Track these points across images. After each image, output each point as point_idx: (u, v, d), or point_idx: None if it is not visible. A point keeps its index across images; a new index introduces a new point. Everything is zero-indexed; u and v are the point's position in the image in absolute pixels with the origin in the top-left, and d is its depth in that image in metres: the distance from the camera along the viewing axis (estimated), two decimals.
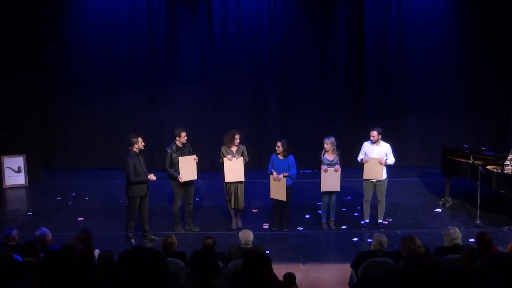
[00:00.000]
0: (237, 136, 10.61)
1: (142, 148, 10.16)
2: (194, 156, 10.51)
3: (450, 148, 11.92)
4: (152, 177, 10.14)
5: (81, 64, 13.62)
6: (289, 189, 10.49)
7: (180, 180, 10.37)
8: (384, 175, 10.66)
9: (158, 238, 10.04)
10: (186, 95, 13.83)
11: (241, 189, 10.66)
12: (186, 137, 10.48)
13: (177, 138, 10.46)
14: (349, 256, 8.49)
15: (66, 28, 13.51)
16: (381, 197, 10.71)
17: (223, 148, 10.69)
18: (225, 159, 10.57)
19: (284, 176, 10.44)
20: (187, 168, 10.41)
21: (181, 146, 10.49)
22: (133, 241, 10.16)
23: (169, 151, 10.46)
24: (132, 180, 10.00)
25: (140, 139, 10.10)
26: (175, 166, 10.41)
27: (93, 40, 13.54)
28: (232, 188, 10.65)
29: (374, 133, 10.60)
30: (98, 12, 13.45)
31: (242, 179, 10.62)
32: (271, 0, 13.52)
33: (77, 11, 13.44)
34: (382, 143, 10.68)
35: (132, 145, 10.08)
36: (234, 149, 10.65)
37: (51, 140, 13.90)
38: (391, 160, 10.66)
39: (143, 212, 10.27)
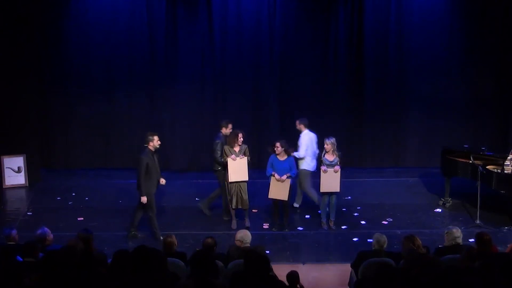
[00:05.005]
0: (240, 135, 10.61)
1: (158, 146, 10.18)
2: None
3: (450, 148, 11.91)
4: (162, 181, 10.27)
5: (81, 64, 13.62)
6: (290, 188, 10.52)
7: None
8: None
9: (141, 235, 10.18)
10: (186, 95, 13.83)
11: (244, 189, 10.60)
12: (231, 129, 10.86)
13: (223, 130, 10.88)
14: (349, 256, 8.48)
15: (66, 28, 13.51)
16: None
17: (226, 148, 10.68)
18: (229, 159, 10.54)
19: (287, 177, 10.46)
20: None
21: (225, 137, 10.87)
22: (140, 235, 10.29)
23: (219, 141, 10.76)
24: (140, 180, 9.99)
25: (156, 138, 10.12)
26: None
27: (93, 40, 13.55)
28: (234, 188, 10.59)
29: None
30: (98, 12, 13.45)
31: (246, 178, 10.57)
32: (271, 0, 13.53)
33: (77, 11, 13.44)
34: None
35: (148, 142, 10.09)
36: (237, 149, 10.64)
37: (51, 140, 13.89)
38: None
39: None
